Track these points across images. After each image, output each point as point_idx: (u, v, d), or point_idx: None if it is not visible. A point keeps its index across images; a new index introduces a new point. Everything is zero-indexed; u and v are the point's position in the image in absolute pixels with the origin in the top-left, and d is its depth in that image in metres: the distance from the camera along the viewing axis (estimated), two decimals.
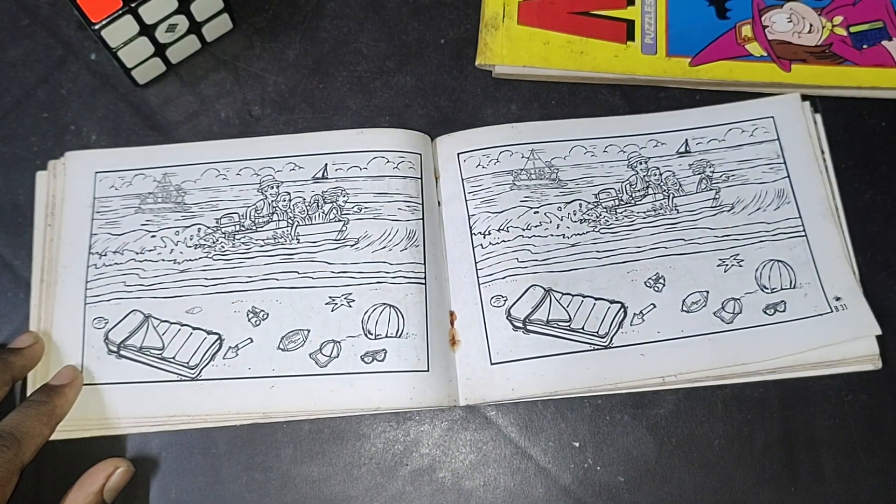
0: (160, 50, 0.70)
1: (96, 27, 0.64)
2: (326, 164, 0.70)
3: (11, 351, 0.64)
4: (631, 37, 0.73)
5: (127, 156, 0.71)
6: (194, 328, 0.66)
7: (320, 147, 0.71)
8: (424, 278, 0.67)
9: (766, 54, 0.73)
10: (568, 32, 0.73)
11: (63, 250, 0.68)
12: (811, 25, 0.73)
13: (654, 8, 0.74)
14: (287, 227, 0.68)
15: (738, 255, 0.68)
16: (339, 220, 0.68)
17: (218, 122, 0.73)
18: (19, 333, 0.66)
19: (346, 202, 0.69)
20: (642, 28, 0.73)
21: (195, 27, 0.71)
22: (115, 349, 0.65)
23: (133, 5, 0.64)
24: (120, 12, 0.64)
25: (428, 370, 0.64)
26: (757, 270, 0.68)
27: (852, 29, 0.73)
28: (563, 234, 0.68)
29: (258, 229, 0.68)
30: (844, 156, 0.71)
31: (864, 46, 0.73)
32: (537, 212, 0.69)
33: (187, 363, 0.65)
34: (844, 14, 0.74)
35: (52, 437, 0.63)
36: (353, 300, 0.66)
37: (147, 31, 0.67)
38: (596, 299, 0.67)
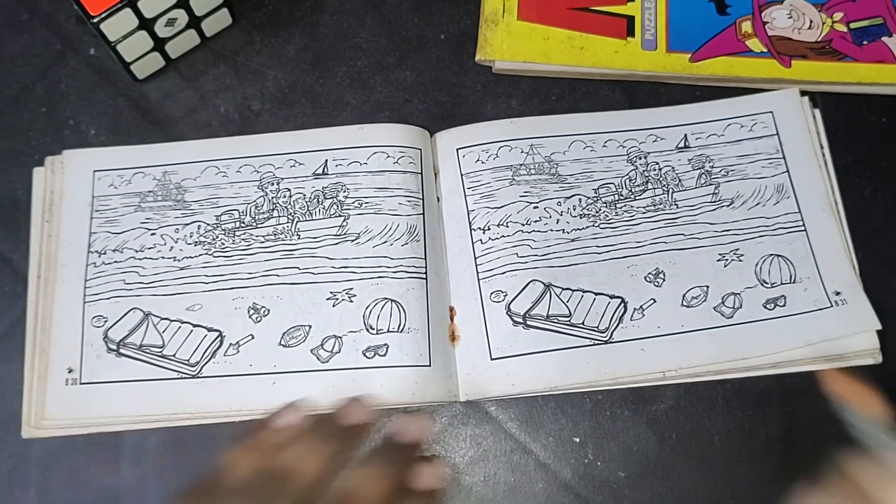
0: (159, 44, 0.70)
1: (95, 20, 0.64)
2: (326, 160, 0.70)
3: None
4: (631, 32, 0.73)
5: (126, 154, 0.71)
6: (195, 325, 0.66)
7: (320, 143, 0.71)
8: (425, 273, 0.67)
9: (766, 50, 0.73)
10: (568, 28, 0.73)
11: (62, 249, 0.68)
12: (811, 21, 0.73)
13: (654, 4, 0.74)
14: (287, 223, 0.68)
15: (737, 249, 0.68)
16: (340, 216, 0.68)
17: (217, 116, 0.72)
18: (18, 326, 0.67)
19: (346, 197, 0.69)
20: (642, 24, 0.74)
21: (194, 22, 0.71)
22: (114, 347, 0.65)
23: None
24: (119, 6, 0.64)
25: (430, 365, 0.64)
26: (757, 265, 0.68)
27: (852, 25, 0.73)
28: (563, 230, 0.68)
29: (258, 226, 0.68)
30: (845, 152, 0.71)
31: (864, 42, 0.73)
32: (537, 207, 0.69)
33: (188, 360, 0.65)
34: (844, 10, 0.74)
35: (45, 436, 0.64)
36: (355, 295, 0.66)
37: (146, 24, 0.67)
38: (596, 294, 0.67)
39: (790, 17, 0.73)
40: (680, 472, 0.65)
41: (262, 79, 0.74)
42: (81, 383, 0.64)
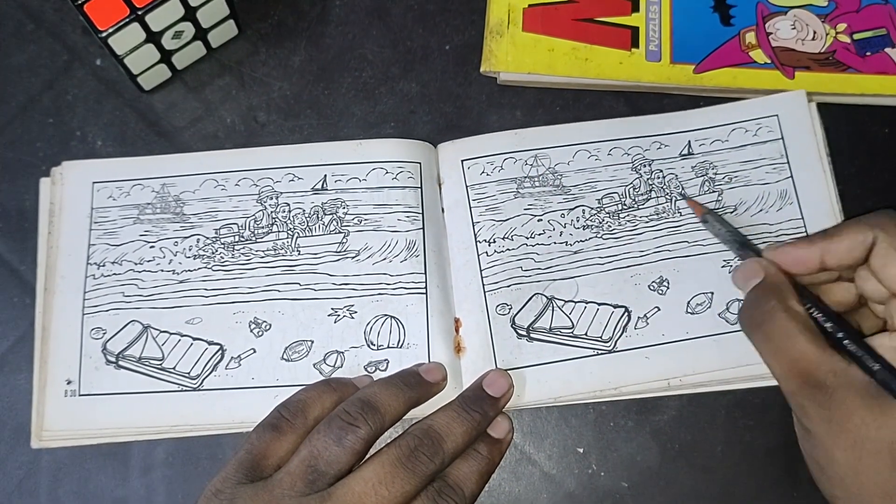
0: (166, 56, 0.71)
1: (103, 35, 0.64)
2: (326, 176, 0.70)
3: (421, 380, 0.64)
4: (635, 44, 0.73)
5: (125, 166, 0.71)
6: (195, 339, 0.66)
7: (319, 158, 0.71)
8: (425, 288, 0.67)
9: (769, 61, 0.73)
10: (572, 39, 0.73)
11: (61, 260, 0.68)
12: (815, 32, 0.73)
13: (658, 15, 0.74)
14: (287, 238, 0.69)
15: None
16: (340, 232, 0.69)
17: (223, 127, 0.73)
18: (27, 338, 0.67)
19: (346, 214, 0.69)
20: (647, 35, 0.73)
21: (201, 34, 0.71)
22: (113, 359, 0.66)
23: (140, 13, 0.64)
24: (127, 20, 0.64)
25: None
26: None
27: (856, 36, 0.73)
28: (566, 242, 0.68)
29: (258, 240, 0.69)
30: (847, 162, 0.71)
31: (868, 54, 0.73)
32: (541, 220, 0.69)
33: (188, 373, 0.65)
34: (848, 21, 0.74)
35: (52, 446, 0.65)
36: (356, 312, 0.67)
37: (153, 38, 0.67)
38: (599, 304, 0.67)
39: (794, 28, 0.73)
40: (682, 482, 0.65)
41: (267, 89, 0.74)
42: (80, 395, 0.65)
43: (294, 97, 0.74)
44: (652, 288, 0.68)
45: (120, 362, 0.66)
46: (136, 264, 0.68)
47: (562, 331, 0.66)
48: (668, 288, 0.67)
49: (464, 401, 0.61)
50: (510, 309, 0.67)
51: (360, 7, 0.76)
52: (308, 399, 0.60)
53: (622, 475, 0.66)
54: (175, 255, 0.68)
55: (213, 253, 0.68)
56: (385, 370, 0.65)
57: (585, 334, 0.66)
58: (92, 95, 0.73)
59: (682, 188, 0.70)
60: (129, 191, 0.70)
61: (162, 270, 0.68)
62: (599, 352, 0.66)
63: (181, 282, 0.68)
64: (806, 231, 0.68)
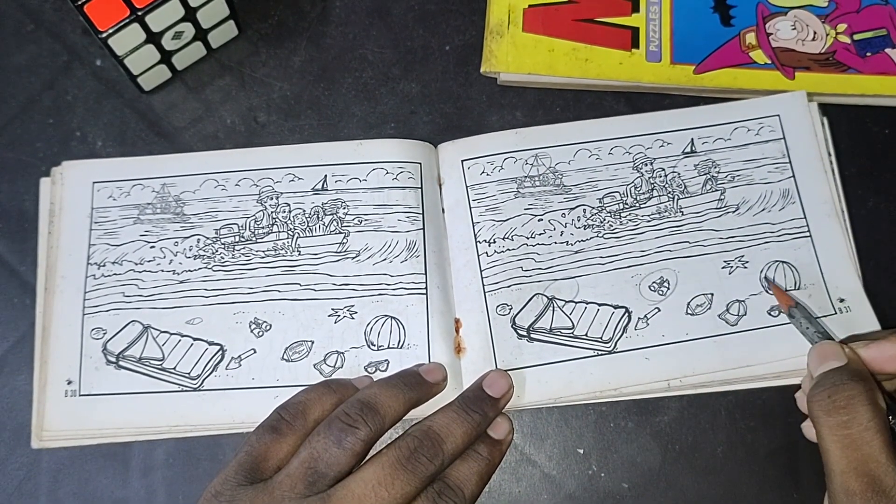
0: (166, 57, 0.71)
1: (103, 35, 0.64)
2: (326, 176, 0.70)
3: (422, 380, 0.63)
4: (636, 44, 0.73)
5: (125, 166, 0.71)
6: (195, 339, 0.66)
7: (319, 158, 0.71)
8: (426, 288, 0.67)
9: (770, 62, 0.73)
10: (573, 40, 0.73)
11: (61, 260, 0.68)
12: (815, 33, 0.73)
13: (658, 15, 0.74)
14: (287, 238, 0.69)
15: (742, 256, 0.68)
16: (340, 233, 0.69)
17: (223, 128, 0.73)
18: (27, 338, 0.67)
19: (346, 214, 0.69)
20: (647, 35, 0.73)
21: (201, 34, 0.71)
22: (113, 359, 0.66)
23: (140, 13, 0.64)
24: (127, 20, 0.64)
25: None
26: (762, 272, 0.68)
27: (856, 36, 0.73)
28: (567, 241, 0.68)
29: (258, 240, 0.69)
30: (848, 163, 0.71)
31: (868, 54, 0.73)
32: (541, 219, 0.69)
33: (188, 374, 0.65)
34: (848, 22, 0.74)
35: (52, 447, 0.65)
36: (356, 312, 0.67)
37: (153, 38, 0.67)
38: (600, 305, 0.67)
39: (794, 29, 0.73)
40: (683, 483, 0.65)
41: (267, 90, 0.74)
42: (81, 395, 0.65)
43: (294, 97, 0.74)
44: (652, 288, 0.67)
45: (120, 362, 0.66)
46: (136, 264, 0.68)
47: (562, 331, 0.66)
48: (668, 289, 0.67)
49: (464, 401, 0.61)
50: (510, 309, 0.67)
51: (360, 7, 0.76)
52: (308, 401, 0.60)
53: (623, 476, 0.66)
54: (175, 256, 0.68)
55: (213, 253, 0.68)
56: (385, 371, 0.65)
57: (586, 335, 0.66)
58: (92, 96, 0.73)
59: (685, 186, 0.70)
60: (129, 191, 0.70)
61: (162, 270, 0.68)
62: (600, 352, 0.66)
63: (181, 282, 0.68)
64: (808, 231, 0.68)
